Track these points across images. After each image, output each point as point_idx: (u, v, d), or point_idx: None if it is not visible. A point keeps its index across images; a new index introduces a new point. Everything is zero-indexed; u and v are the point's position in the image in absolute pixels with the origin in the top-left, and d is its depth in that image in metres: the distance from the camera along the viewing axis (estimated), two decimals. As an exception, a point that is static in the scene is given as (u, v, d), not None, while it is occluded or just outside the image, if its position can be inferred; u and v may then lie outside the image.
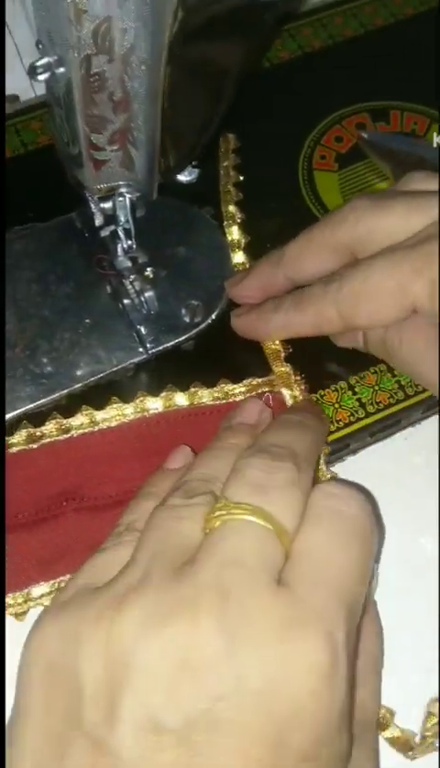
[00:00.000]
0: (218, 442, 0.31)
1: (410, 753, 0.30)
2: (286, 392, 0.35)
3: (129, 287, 0.38)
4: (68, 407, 0.35)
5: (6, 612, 0.32)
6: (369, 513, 0.27)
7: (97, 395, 0.36)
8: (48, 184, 0.40)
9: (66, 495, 0.33)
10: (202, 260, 0.39)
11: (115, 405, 0.35)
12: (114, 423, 0.35)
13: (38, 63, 0.29)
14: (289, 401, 0.35)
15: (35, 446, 0.34)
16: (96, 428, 0.35)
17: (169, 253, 0.39)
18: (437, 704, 0.31)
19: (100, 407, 0.35)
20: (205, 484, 0.28)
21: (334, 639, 0.23)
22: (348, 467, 0.35)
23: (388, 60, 0.45)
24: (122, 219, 0.37)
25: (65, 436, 0.34)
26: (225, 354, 0.37)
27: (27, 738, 0.24)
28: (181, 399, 0.35)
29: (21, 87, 0.42)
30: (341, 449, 0.35)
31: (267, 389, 0.35)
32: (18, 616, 0.32)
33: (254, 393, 0.35)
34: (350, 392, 0.36)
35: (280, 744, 0.23)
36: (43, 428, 0.34)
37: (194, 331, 0.37)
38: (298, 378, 0.36)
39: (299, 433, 0.30)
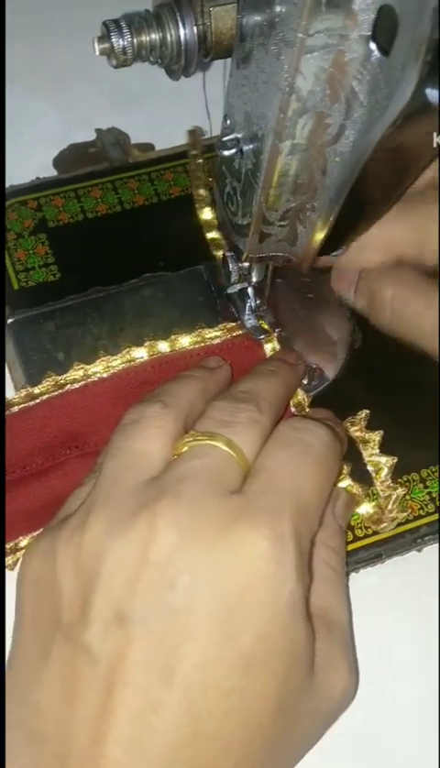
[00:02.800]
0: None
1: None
2: (268, 346, 0.38)
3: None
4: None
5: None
6: (327, 443, 0.29)
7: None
8: (178, 234, 0.42)
9: (67, 444, 0.36)
10: (322, 323, 0.40)
11: (103, 358, 0.37)
12: (105, 375, 0.37)
13: (226, 139, 0.31)
14: (269, 354, 0.38)
15: (32, 404, 0.36)
16: (89, 380, 0.37)
17: (292, 315, 0.40)
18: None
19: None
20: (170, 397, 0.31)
21: (278, 529, 0.26)
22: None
23: None
24: (254, 279, 0.38)
25: (60, 391, 0.36)
26: (341, 418, 0.38)
27: (21, 643, 0.28)
28: (163, 346, 0.38)
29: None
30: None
31: (240, 332, 0.38)
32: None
33: (229, 336, 0.38)
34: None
35: (234, 624, 0.25)
36: (40, 386, 0.36)
37: (311, 393, 0.38)
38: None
39: (265, 381, 0.33)
